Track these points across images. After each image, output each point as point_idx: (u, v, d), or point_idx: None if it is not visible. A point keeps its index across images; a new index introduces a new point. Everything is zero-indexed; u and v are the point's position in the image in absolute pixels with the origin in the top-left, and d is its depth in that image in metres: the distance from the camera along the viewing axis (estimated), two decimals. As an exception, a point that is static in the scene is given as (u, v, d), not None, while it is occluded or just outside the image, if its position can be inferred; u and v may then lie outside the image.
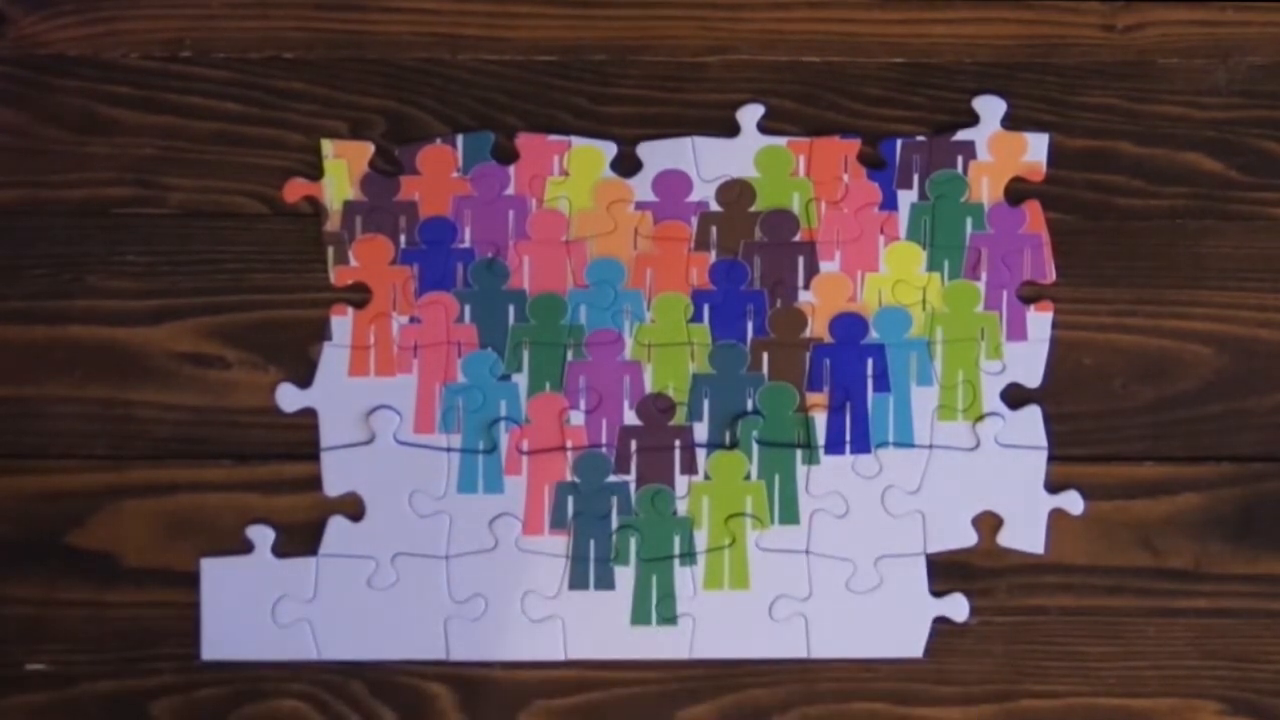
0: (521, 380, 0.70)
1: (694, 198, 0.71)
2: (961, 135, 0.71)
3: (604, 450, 0.70)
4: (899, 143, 0.71)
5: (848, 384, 0.70)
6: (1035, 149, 0.71)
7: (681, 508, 0.70)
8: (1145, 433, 0.71)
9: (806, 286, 0.71)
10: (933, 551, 0.70)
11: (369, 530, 0.70)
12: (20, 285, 0.71)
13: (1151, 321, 0.72)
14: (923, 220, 0.71)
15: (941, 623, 0.70)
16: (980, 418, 0.70)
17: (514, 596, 0.70)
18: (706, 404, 0.70)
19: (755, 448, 0.70)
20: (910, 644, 0.70)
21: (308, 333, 0.71)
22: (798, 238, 0.71)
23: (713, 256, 0.71)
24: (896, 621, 0.70)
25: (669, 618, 0.70)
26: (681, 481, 0.70)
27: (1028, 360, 0.71)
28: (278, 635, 0.69)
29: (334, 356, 0.70)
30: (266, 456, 0.70)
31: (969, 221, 0.71)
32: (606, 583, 0.70)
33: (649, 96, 0.72)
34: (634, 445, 0.70)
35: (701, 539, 0.70)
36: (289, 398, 0.70)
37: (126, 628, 0.70)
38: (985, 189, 0.71)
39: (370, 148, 0.71)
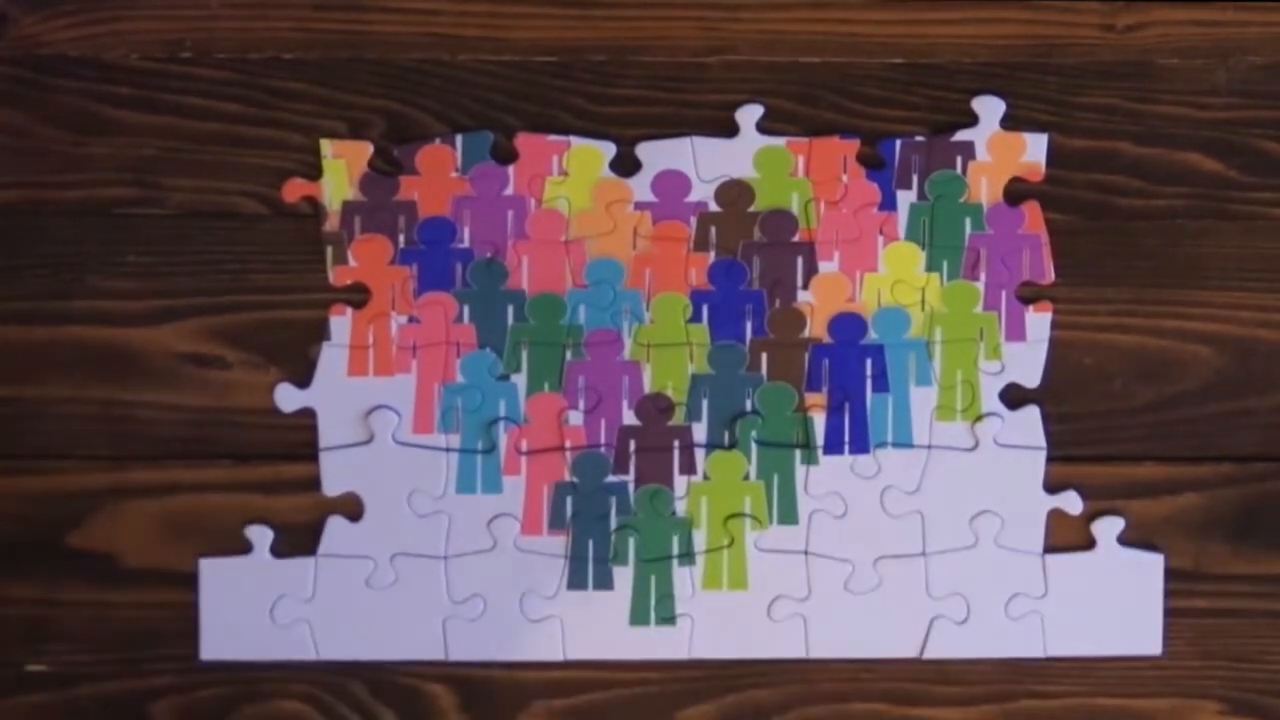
0: (520, 380, 0.70)
1: (693, 198, 0.71)
2: (961, 135, 0.71)
3: (603, 450, 0.70)
4: (898, 143, 0.71)
5: (846, 384, 0.70)
6: (1034, 149, 0.71)
7: (680, 508, 0.70)
8: (1145, 433, 0.71)
9: (805, 287, 0.71)
10: (932, 551, 0.70)
11: (368, 530, 0.70)
12: (20, 285, 0.71)
13: (1151, 321, 0.71)
14: (922, 220, 0.71)
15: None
16: (979, 418, 0.70)
17: (513, 597, 0.70)
18: (705, 404, 0.70)
19: (754, 448, 0.70)
20: (909, 644, 0.70)
21: (307, 333, 0.71)
22: (797, 238, 0.71)
23: (712, 257, 0.71)
24: (896, 621, 0.70)
25: (667, 618, 0.70)
26: (680, 482, 0.70)
27: (1027, 360, 0.71)
28: (277, 635, 0.70)
29: (333, 356, 0.70)
30: (266, 456, 0.71)
31: (968, 222, 0.71)
32: (605, 583, 0.70)
33: (648, 97, 0.72)
34: (633, 445, 0.70)
35: (700, 539, 0.70)
36: (288, 398, 0.70)
37: (126, 628, 0.70)
38: (984, 189, 0.71)
39: (369, 148, 0.71)
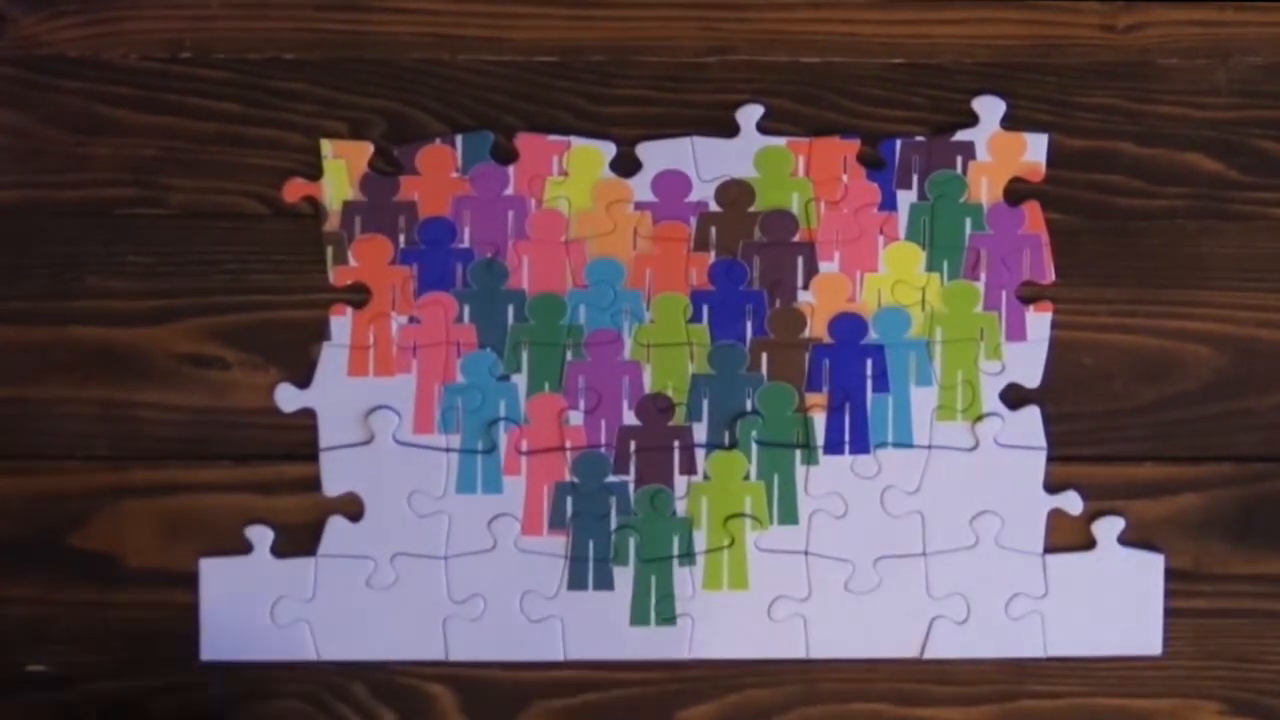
0: (520, 380, 0.70)
1: (693, 198, 0.71)
2: (961, 135, 0.71)
3: (603, 450, 0.70)
4: (898, 143, 0.71)
5: (847, 384, 0.70)
6: (1034, 149, 0.71)
7: (680, 508, 0.70)
8: (1145, 433, 0.71)
9: (806, 287, 0.71)
10: (932, 551, 0.70)
11: (368, 530, 0.70)
12: (20, 285, 0.71)
13: (1151, 321, 0.72)
14: (922, 220, 0.71)
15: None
16: (979, 418, 0.70)
17: (513, 597, 0.70)
18: (706, 404, 0.70)
19: (754, 448, 0.70)
20: (910, 644, 0.70)
21: (307, 333, 0.71)
22: (797, 238, 0.71)
23: (712, 256, 0.71)
24: (896, 621, 0.70)
25: (668, 618, 0.70)
26: (680, 482, 0.70)
27: (1027, 360, 0.71)
28: (277, 636, 0.70)
29: (333, 356, 0.70)
30: (266, 457, 0.71)
31: (968, 222, 0.71)
32: (605, 583, 0.70)
33: (649, 96, 0.72)
34: (633, 445, 0.70)
35: (700, 539, 0.70)
36: (288, 398, 0.70)
37: (127, 628, 0.70)
38: (984, 189, 0.71)
39: (370, 148, 0.71)
